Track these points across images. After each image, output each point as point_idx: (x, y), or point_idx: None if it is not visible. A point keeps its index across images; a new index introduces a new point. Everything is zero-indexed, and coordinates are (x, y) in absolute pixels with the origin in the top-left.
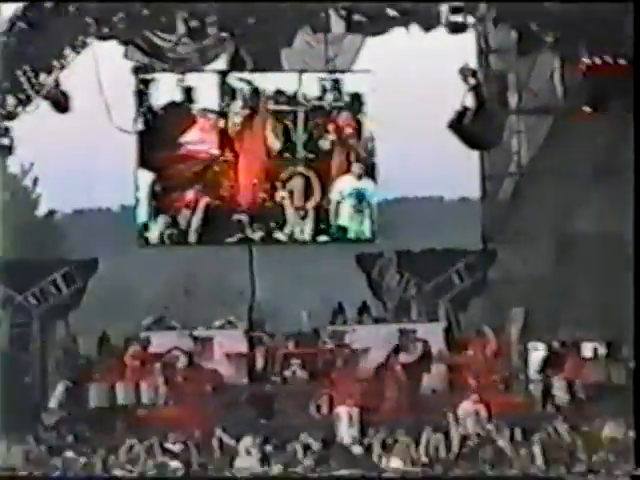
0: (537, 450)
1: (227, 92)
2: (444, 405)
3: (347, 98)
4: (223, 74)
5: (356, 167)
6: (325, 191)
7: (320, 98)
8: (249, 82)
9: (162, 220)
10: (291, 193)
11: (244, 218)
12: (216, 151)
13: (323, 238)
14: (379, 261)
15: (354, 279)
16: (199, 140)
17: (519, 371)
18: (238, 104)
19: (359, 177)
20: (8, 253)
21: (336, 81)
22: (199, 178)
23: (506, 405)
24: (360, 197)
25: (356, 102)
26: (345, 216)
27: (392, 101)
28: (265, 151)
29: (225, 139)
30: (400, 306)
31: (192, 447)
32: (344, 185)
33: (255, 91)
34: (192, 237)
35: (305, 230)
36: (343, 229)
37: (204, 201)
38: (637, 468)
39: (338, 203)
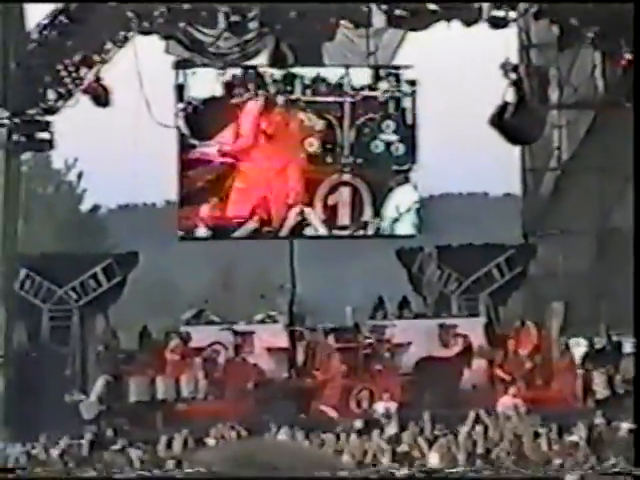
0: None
1: (251, 78)
2: (484, 400)
3: (406, 87)
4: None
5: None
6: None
7: (372, 88)
8: (282, 66)
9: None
10: (333, 209)
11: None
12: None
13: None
14: (419, 256)
15: (395, 274)
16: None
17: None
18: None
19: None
20: (51, 247)
21: (395, 67)
22: (216, 190)
23: (546, 400)
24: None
25: (413, 92)
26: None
27: (433, 96)
28: (301, 155)
29: (247, 138)
30: (440, 301)
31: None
32: (402, 198)
33: (288, 77)
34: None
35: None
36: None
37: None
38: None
39: (395, 221)
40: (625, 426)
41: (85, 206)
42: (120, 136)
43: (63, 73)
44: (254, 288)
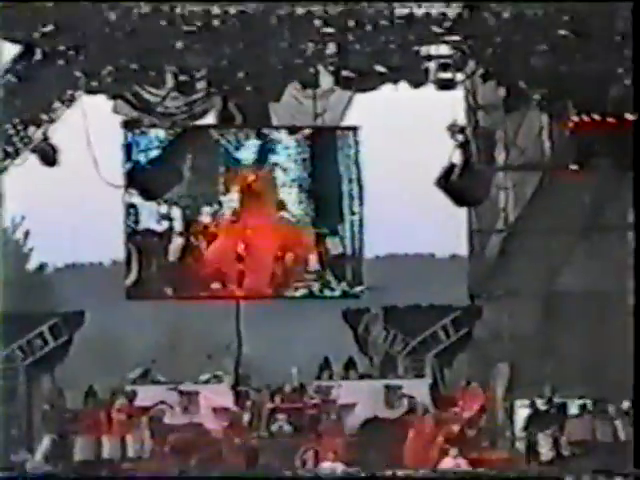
0: None
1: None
2: (429, 461)
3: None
4: (211, 128)
5: None
6: None
7: None
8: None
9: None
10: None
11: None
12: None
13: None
14: (365, 316)
15: (341, 334)
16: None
17: (505, 428)
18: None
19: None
20: None
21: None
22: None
23: (491, 461)
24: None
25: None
26: None
27: (380, 157)
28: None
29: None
30: (386, 362)
31: None
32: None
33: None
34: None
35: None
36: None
37: None
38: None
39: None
40: None
41: (31, 265)
42: (67, 195)
43: (11, 132)
44: (200, 348)
